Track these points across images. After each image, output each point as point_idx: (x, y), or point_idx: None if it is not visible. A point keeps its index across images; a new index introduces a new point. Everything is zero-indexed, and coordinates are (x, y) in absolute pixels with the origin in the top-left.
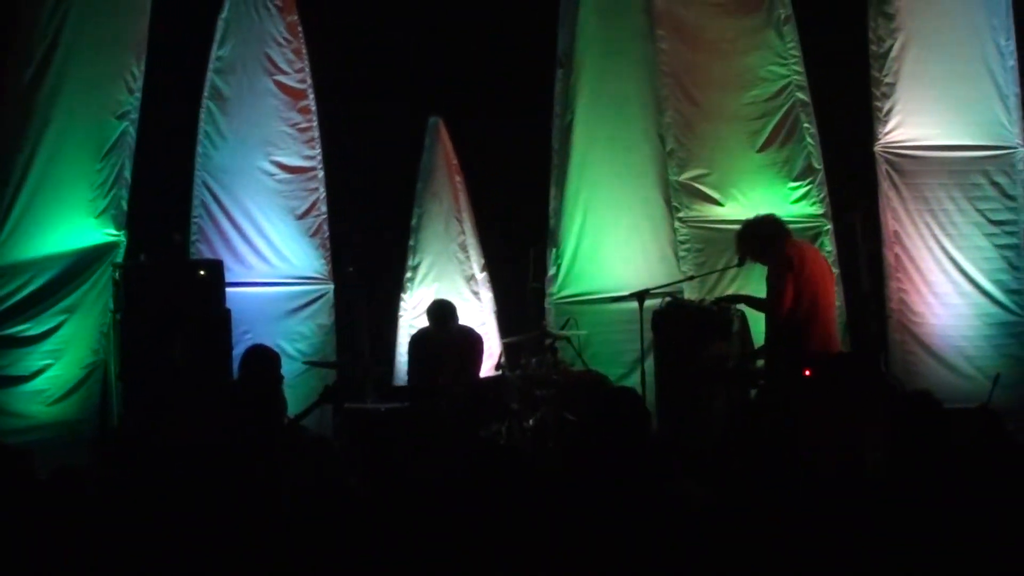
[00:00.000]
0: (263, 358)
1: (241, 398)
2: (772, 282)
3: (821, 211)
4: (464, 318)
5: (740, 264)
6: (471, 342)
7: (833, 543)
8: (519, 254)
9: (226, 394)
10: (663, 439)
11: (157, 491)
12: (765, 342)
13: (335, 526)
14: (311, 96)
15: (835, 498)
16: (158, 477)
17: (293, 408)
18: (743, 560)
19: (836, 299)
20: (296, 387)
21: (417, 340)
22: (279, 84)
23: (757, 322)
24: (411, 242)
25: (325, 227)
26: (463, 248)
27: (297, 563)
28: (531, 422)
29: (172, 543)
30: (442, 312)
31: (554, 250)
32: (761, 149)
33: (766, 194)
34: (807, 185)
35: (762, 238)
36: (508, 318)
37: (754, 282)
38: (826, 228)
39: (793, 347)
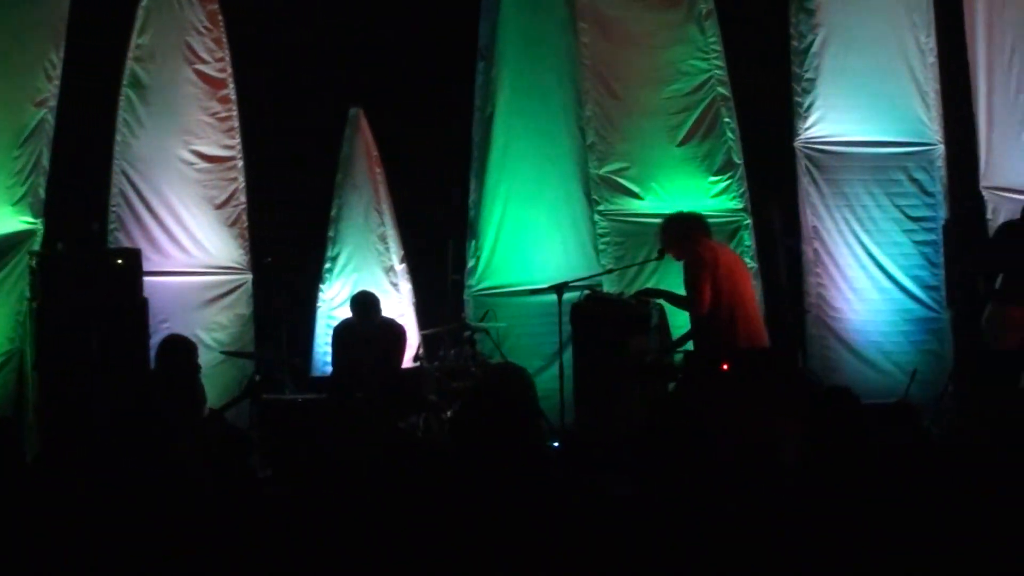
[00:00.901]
0: (179, 348)
1: (157, 388)
2: (689, 281)
3: (741, 206)
4: (383, 310)
5: (659, 257)
6: (394, 334)
7: (748, 537)
8: (438, 246)
9: (142, 384)
10: (581, 432)
11: (70, 478)
12: (693, 339)
13: (249, 518)
14: (231, 85)
15: (751, 493)
16: (73, 465)
17: (211, 398)
18: (660, 553)
19: (756, 294)
20: (214, 377)
21: (340, 330)
22: (199, 73)
23: (676, 316)
24: (330, 233)
25: (244, 217)
26: (382, 239)
27: (210, 555)
28: (449, 414)
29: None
30: (365, 304)
31: (473, 242)
32: (681, 143)
33: (686, 188)
34: (727, 179)
35: (678, 234)
36: (427, 310)
37: (672, 276)
38: (746, 223)
39: (719, 342)
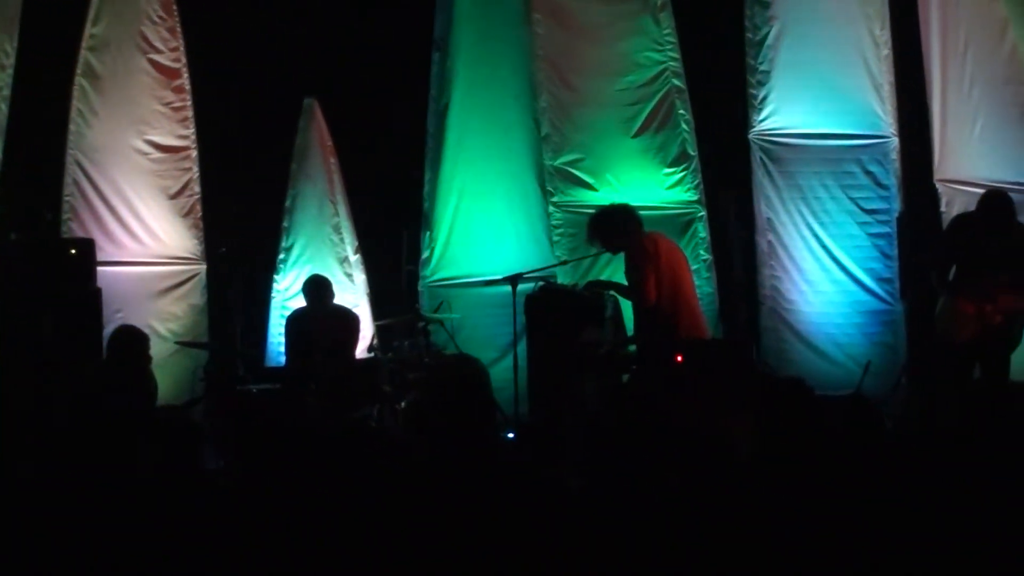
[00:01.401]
0: (131, 339)
1: (108, 379)
2: (632, 273)
3: (695, 197)
4: (338, 300)
5: (588, 241)
6: (347, 321)
7: (702, 527)
8: (393, 236)
9: (94, 375)
10: (535, 424)
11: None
12: (635, 329)
13: (200, 509)
14: (185, 75)
15: (705, 484)
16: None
17: (163, 388)
18: (613, 544)
19: (707, 285)
20: (167, 367)
21: (292, 319)
22: (153, 63)
23: (630, 308)
24: (284, 223)
25: (198, 207)
26: (337, 230)
27: (160, 545)
28: (403, 405)
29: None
30: (318, 287)
31: (428, 233)
32: (636, 135)
33: (640, 180)
34: (681, 171)
35: (617, 228)
36: (381, 300)
37: None
38: (700, 214)
39: (664, 333)
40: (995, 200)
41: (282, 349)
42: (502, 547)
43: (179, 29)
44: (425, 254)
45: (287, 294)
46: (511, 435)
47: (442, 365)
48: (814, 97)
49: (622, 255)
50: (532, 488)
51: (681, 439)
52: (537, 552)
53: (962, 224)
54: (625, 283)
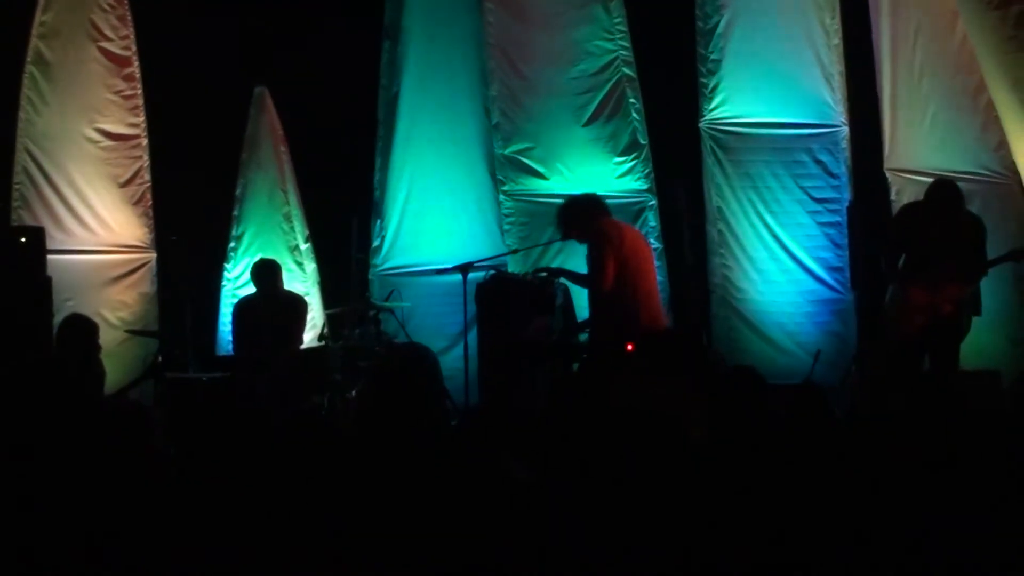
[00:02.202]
0: (79, 328)
1: (58, 368)
2: (593, 258)
3: (646, 186)
4: (288, 289)
5: (564, 238)
6: (294, 307)
7: (654, 519)
8: (343, 225)
9: (43, 363)
10: (485, 413)
11: None
12: (590, 318)
13: (151, 496)
14: (136, 63)
15: (656, 473)
16: None
17: (113, 376)
18: (562, 536)
19: (658, 274)
20: (117, 356)
21: (240, 307)
22: (103, 51)
23: (580, 296)
24: (235, 212)
25: (148, 195)
26: (287, 218)
27: (109, 533)
28: (353, 393)
29: None
30: (266, 271)
31: (378, 221)
32: (587, 124)
33: (591, 169)
34: (632, 160)
35: (582, 216)
36: (332, 289)
37: (577, 257)
38: (651, 203)
39: (621, 323)
40: (942, 190)
41: (231, 338)
42: (450, 537)
43: (129, 17)
44: (376, 242)
45: (238, 282)
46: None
47: (393, 354)
48: (765, 86)
49: (576, 244)
50: (481, 478)
51: (631, 427)
52: (485, 541)
53: (910, 213)
54: (577, 272)
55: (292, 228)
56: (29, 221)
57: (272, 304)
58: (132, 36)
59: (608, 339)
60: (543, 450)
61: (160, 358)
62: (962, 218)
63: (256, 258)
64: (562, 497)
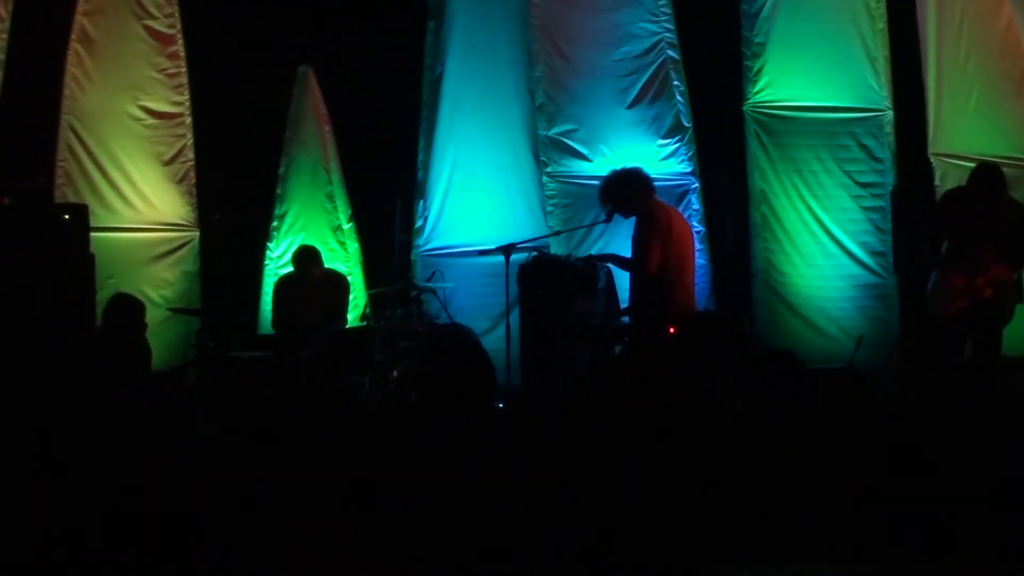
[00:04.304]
0: (128, 307)
1: (102, 346)
2: (640, 239)
3: (689, 169)
4: (331, 268)
5: (607, 220)
6: (335, 284)
7: (690, 496)
8: (386, 205)
9: (89, 342)
10: (527, 394)
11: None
12: (630, 300)
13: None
14: (180, 41)
15: (695, 455)
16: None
17: (158, 354)
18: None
19: (700, 257)
20: (160, 334)
21: (280, 286)
22: (148, 28)
23: (622, 279)
24: (278, 191)
25: (192, 174)
26: (330, 198)
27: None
28: (395, 373)
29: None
30: (305, 257)
31: (421, 202)
32: (630, 106)
33: (634, 151)
34: (675, 143)
35: (629, 190)
36: (374, 269)
37: (620, 239)
38: (694, 186)
39: (659, 305)
40: (985, 173)
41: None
42: (493, 515)
43: None
44: (419, 223)
45: (280, 261)
46: (500, 405)
47: (434, 334)
48: (809, 70)
49: (619, 222)
50: (523, 457)
51: (672, 410)
52: (529, 519)
53: (953, 198)
54: (622, 256)
55: (335, 208)
56: (73, 199)
57: (310, 283)
58: (177, 14)
59: (650, 322)
60: (585, 431)
61: (212, 344)
62: (1005, 203)
63: (301, 242)
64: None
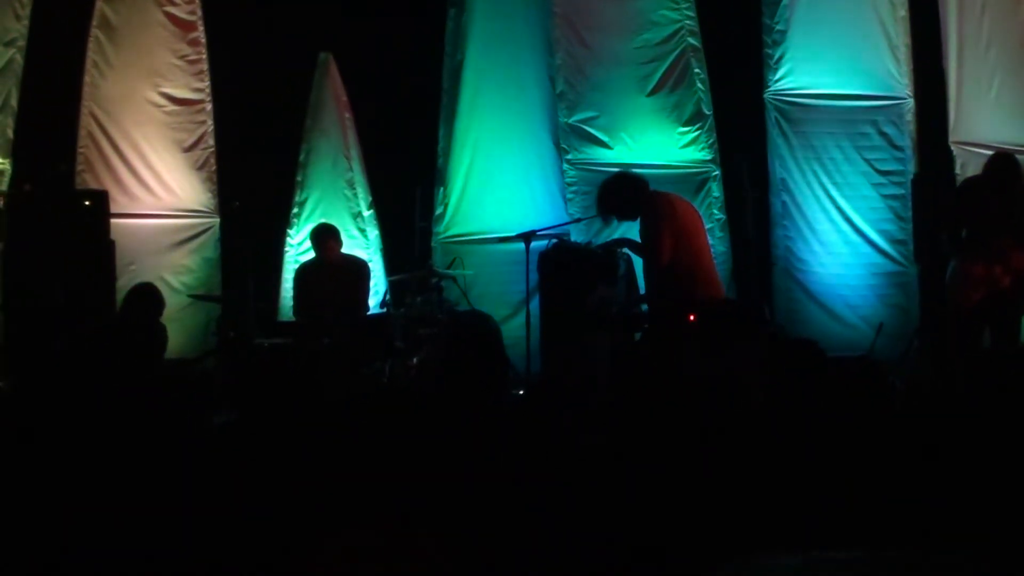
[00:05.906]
0: (149, 299)
1: (121, 334)
2: (648, 233)
3: (709, 157)
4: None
5: (607, 220)
6: (356, 269)
7: (714, 485)
8: (407, 192)
9: (108, 329)
10: (547, 381)
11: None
12: (646, 288)
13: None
14: (201, 28)
15: (716, 444)
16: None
17: (176, 340)
18: (626, 502)
19: (721, 245)
20: (180, 320)
21: (301, 272)
22: (169, 15)
23: (640, 267)
24: (298, 177)
25: (212, 160)
26: (350, 185)
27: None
28: (415, 360)
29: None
30: (323, 233)
31: (441, 189)
32: (651, 93)
33: (655, 138)
34: (696, 130)
35: (621, 198)
36: (394, 256)
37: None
38: (714, 174)
39: (681, 295)
40: (999, 162)
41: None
42: (513, 504)
43: None
44: (439, 210)
45: (301, 248)
46: (520, 392)
47: (455, 322)
48: (830, 57)
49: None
50: (543, 445)
51: (693, 398)
52: (548, 509)
53: (971, 187)
54: (634, 239)
55: (355, 195)
56: (93, 185)
57: (332, 269)
58: (198, 1)
59: (668, 310)
60: (606, 419)
61: (233, 331)
62: (1020, 191)
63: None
64: (624, 465)
